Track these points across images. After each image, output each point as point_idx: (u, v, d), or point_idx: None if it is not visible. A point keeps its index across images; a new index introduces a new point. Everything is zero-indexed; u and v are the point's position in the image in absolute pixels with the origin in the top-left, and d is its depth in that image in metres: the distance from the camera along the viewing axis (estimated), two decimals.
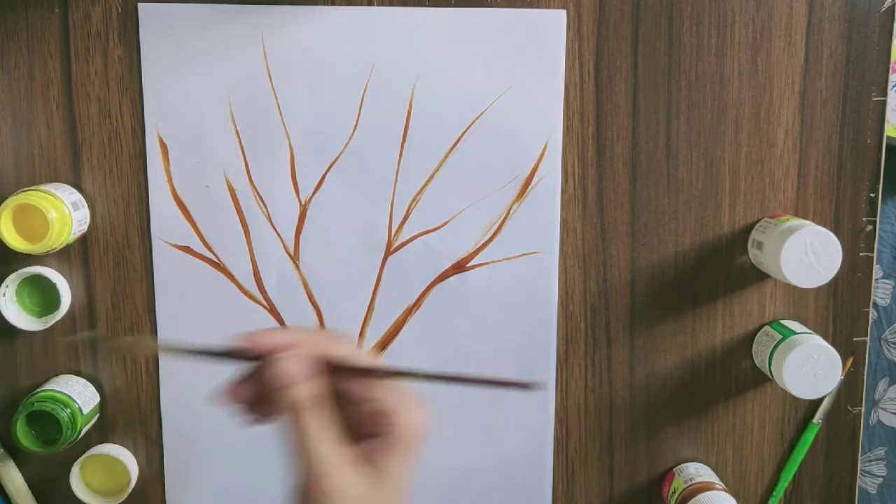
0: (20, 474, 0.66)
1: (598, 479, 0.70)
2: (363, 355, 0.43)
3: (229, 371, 0.42)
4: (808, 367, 0.63)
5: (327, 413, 0.40)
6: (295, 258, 0.66)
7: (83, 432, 0.64)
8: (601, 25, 0.64)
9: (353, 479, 0.39)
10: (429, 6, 0.63)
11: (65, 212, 0.60)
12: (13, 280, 0.62)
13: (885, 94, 0.66)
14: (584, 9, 0.64)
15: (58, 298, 0.63)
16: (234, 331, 0.66)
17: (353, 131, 0.65)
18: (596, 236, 0.67)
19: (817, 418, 0.69)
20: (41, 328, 0.63)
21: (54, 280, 0.63)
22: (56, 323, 0.64)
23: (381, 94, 0.64)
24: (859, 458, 0.71)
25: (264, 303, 0.66)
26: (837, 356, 0.63)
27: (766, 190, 0.67)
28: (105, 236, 0.65)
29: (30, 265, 0.63)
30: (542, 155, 0.66)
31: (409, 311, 0.67)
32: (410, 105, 0.65)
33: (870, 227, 0.67)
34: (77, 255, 0.65)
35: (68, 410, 0.62)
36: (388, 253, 0.66)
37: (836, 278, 0.62)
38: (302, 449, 0.40)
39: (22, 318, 0.63)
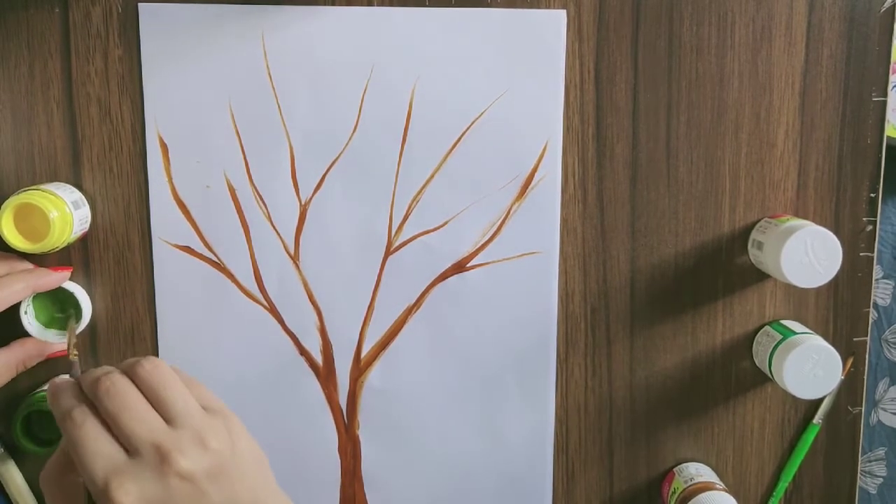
0: (20, 474, 0.66)
1: (598, 479, 0.70)
2: None
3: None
4: (808, 367, 0.63)
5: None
6: (295, 258, 0.66)
7: None
8: (601, 25, 0.64)
9: None
10: (429, 6, 0.64)
11: (66, 211, 0.60)
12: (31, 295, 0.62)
13: (885, 94, 0.66)
14: (584, 9, 0.64)
15: (78, 306, 0.63)
16: (234, 331, 0.66)
17: (353, 131, 0.65)
18: (596, 236, 0.67)
19: (817, 418, 0.69)
20: (65, 339, 0.63)
21: (71, 290, 0.63)
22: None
23: (381, 95, 0.64)
24: (859, 459, 0.71)
25: (264, 303, 0.66)
26: (837, 356, 0.63)
27: (766, 190, 0.67)
28: (105, 235, 0.65)
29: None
30: (542, 155, 0.66)
31: (409, 311, 0.67)
32: (410, 105, 0.65)
33: (870, 227, 0.67)
34: (77, 254, 0.65)
35: None
36: (387, 253, 0.66)
37: (836, 278, 0.62)
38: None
39: (46, 333, 0.62)
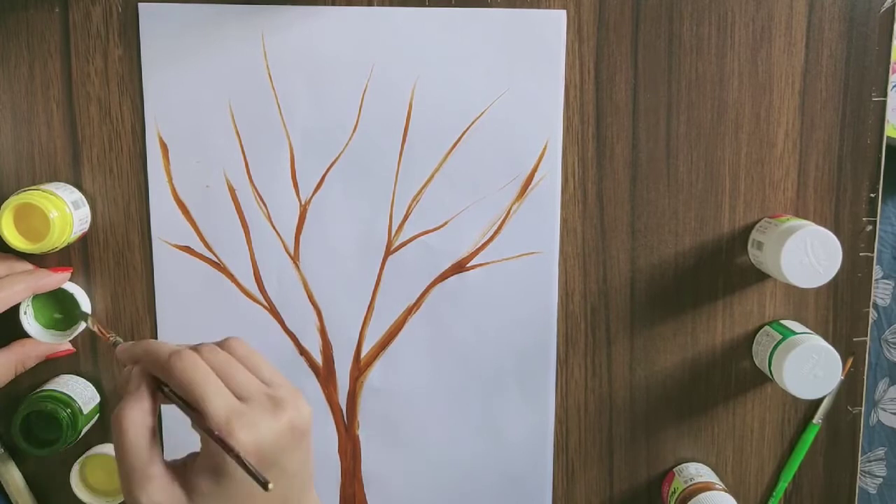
0: (20, 474, 0.66)
1: (598, 479, 0.70)
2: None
3: None
4: (808, 367, 0.63)
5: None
6: (295, 258, 0.66)
7: (83, 432, 0.64)
8: (601, 25, 0.64)
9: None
10: (429, 6, 0.64)
11: (66, 211, 0.60)
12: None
13: (885, 94, 0.66)
14: (584, 9, 0.64)
15: (77, 307, 0.63)
16: (234, 331, 0.66)
17: (353, 131, 0.65)
18: (596, 236, 0.67)
19: (817, 418, 0.69)
20: (64, 340, 0.63)
21: (71, 290, 0.63)
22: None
23: (381, 94, 0.64)
24: (859, 459, 0.71)
25: (264, 303, 0.66)
26: (837, 356, 0.63)
27: (766, 190, 0.67)
28: (105, 235, 0.65)
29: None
30: (542, 155, 0.66)
31: (409, 312, 0.67)
32: (410, 105, 0.65)
33: (870, 227, 0.67)
34: (77, 254, 0.65)
35: (68, 410, 0.62)
36: (387, 253, 0.66)
37: (836, 278, 0.62)
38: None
39: (46, 334, 0.63)
